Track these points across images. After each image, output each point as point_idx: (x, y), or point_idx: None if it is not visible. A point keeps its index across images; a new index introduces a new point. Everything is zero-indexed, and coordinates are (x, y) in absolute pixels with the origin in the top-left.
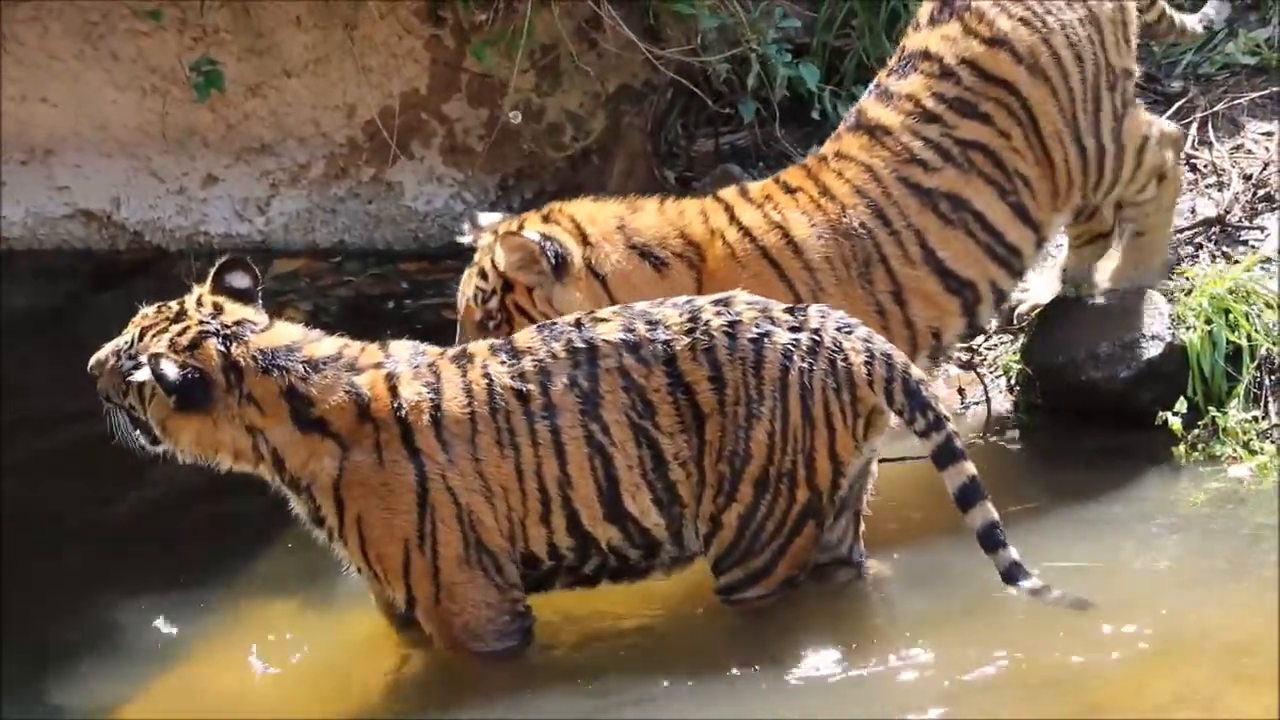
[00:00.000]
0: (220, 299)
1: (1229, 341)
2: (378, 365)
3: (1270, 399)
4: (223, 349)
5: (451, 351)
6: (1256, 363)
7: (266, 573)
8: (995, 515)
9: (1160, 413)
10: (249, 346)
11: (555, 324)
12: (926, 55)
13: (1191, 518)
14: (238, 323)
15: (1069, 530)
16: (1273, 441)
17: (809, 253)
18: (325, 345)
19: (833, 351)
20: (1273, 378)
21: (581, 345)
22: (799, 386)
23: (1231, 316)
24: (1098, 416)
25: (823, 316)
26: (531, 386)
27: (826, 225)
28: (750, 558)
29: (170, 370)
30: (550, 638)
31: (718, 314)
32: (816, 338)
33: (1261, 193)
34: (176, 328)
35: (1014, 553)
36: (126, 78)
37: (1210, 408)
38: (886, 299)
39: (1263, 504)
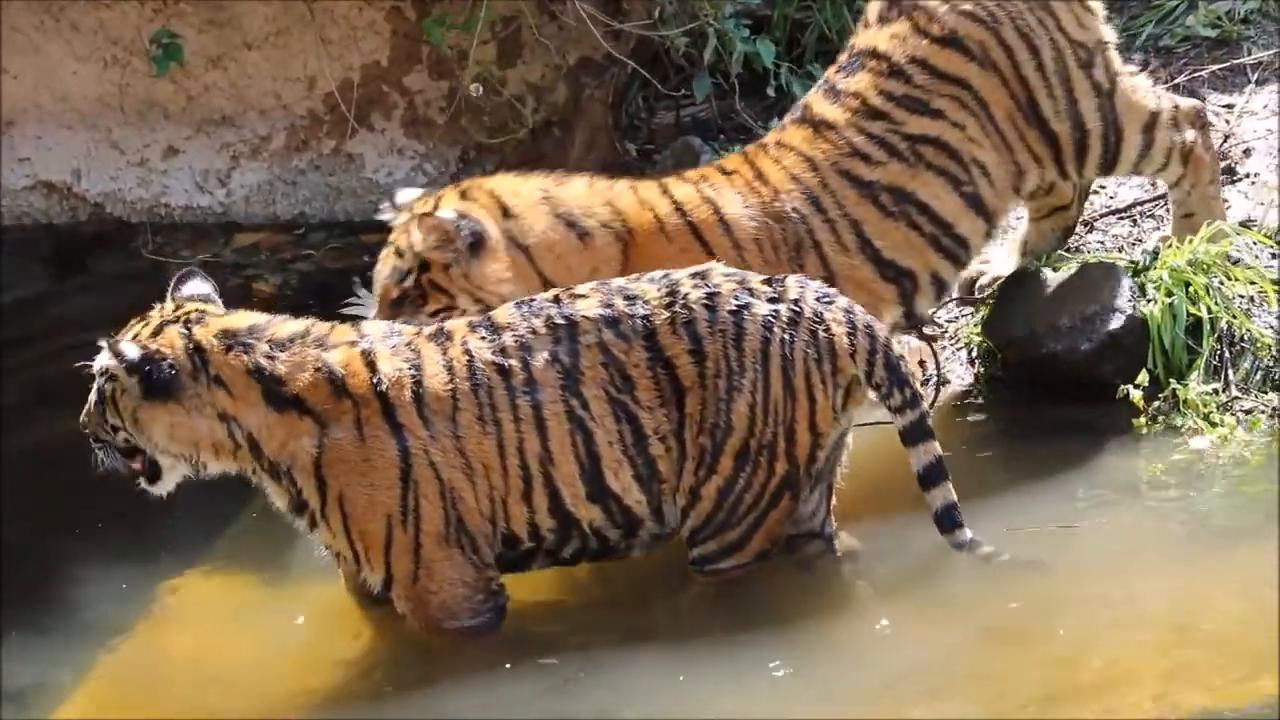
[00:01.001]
0: (181, 303)
1: (1189, 314)
2: (351, 343)
3: (1230, 371)
4: (184, 332)
5: (428, 329)
6: (1216, 335)
7: (227, 549)
8: (954, 497)
9: (1121, 385)
10: (210, 328)
11: (534, 300)
12: (874, 54)
13: (1151, 488)
14: (199, 311)
15: (1029, 501)
16: (1232, 413)
17: (738, 232)
18: (291, 325)
19: (813, 322)
20: (1232, 350)
21: (561, 321)
22: (780, 358)
23: (1192, 289)
24: (1059, 389)
25: (801, 287)
26: (513, 362)
27: (758, 207)
28: (726, 530)
29: (130, 350)
30: (521, 612)
31: (695, 287)
32: (797, 308)
33: (1222, 165)
34: (138, 326)
35: (969, 534)
36: (87, 49)
37: (1171, 380)
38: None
39: (1222, 475)
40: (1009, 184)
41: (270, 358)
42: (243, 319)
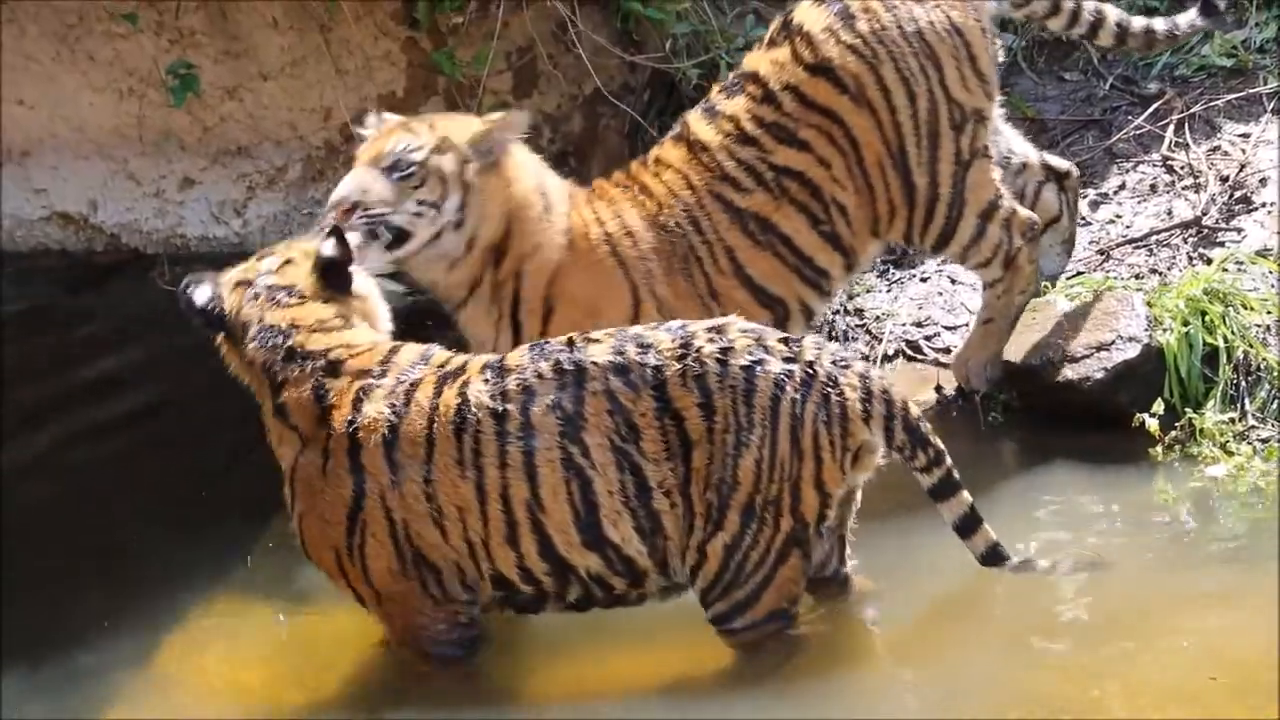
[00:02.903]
0: (300, 264)
1: (1205, 343)
2: (360, 374)
3: (1247, 400)
4: (239, 303)
5: (449, 367)
6: (1233, 364)
7: (242, 576)
8: (993, 536)
9: (1137, 414)
10: (260, 311)
11: (547, 343)
12: (754, 78)
13: (1168, 517)
14: (283, 287)
15: (1045, 529)
16: (1249, 443)
17: (640, 243)
18: (323, 340)
19: (826, 385)
20: (1249, 379)
21: (569, 367)
22: (789, 416)
23: (1208, 318)
24: (1074, 418)
25: (818, 349)
26: (510, 406)
27: (648, 218)
28: (734, 588)
29: (199, 294)
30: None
31: (710, 340)
32: (810, 370)
33: (1238, 194)
34: (247, 264)
35: (1015, 559)
36: (103, 80)
37: (1187, 409)
38: (706, 298)
39: (1240, 504)
40: (867, 228)
41: (279, 363)
42: (301, 316)
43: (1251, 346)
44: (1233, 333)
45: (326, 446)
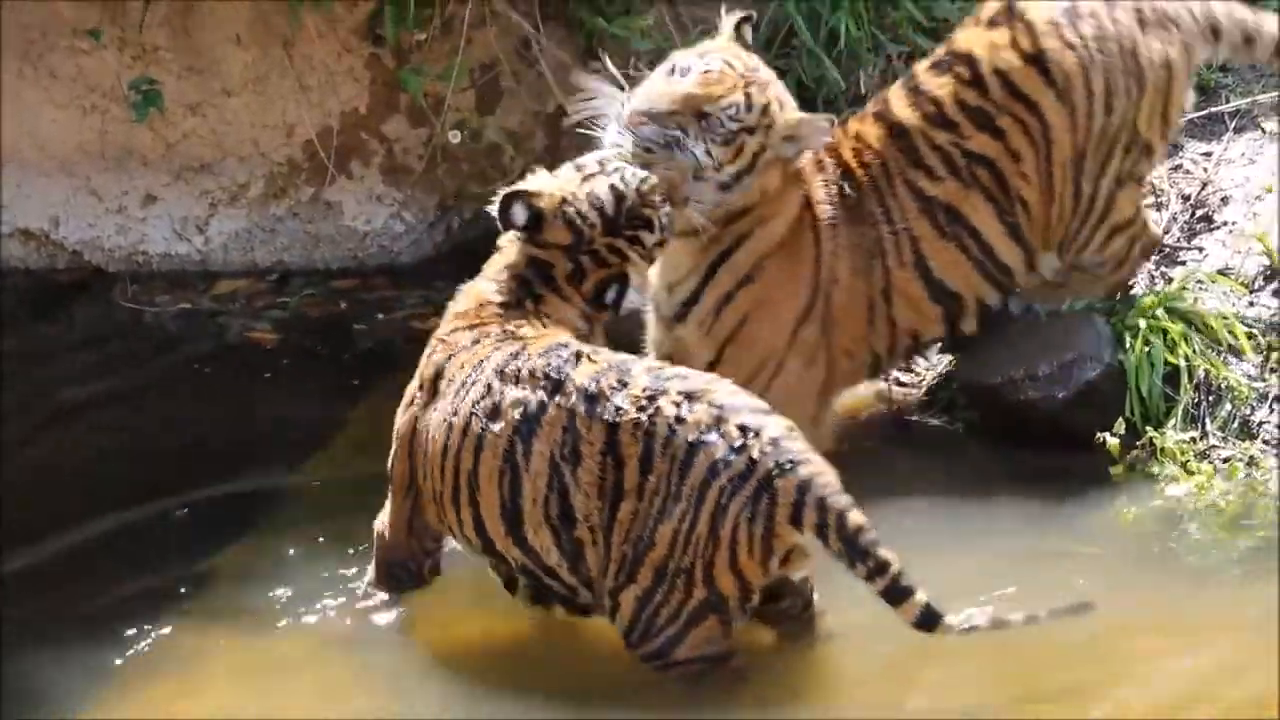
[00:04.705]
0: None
1: (1167, 362)
2: (452, 331)
3: (1208, 419)
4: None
5: (514, 330)
6: (1194, 383)
7: (232, 573)
8: (959, 619)
9: (1099, 433)
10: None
11: (566, 345)
12: (967, 58)
13: (1129, 538)
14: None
15: (1004, 551)
16: (1210, 461)
17: (838, 239)
18: (474, 294)
19: (761, 484)
20: (1210, 398)
21: (554, 375)
22: (714, 503)
23: (1170, 337)
24: (1035, 436)
25: (772, 445)
26: (496, 385)
27: (850, 210)
28: (648, 638)
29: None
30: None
31: (675, 404)
32: (750, 465)
33: (1200, 213)
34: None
35: (985, 618)
36: (65, 96)
37: (1148, 428)
38: (878, 298)
39: (1201, 523)
40: (1040, 230)
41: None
42: (513, 258)
43: (1213, 366)
44: (1194, 352)
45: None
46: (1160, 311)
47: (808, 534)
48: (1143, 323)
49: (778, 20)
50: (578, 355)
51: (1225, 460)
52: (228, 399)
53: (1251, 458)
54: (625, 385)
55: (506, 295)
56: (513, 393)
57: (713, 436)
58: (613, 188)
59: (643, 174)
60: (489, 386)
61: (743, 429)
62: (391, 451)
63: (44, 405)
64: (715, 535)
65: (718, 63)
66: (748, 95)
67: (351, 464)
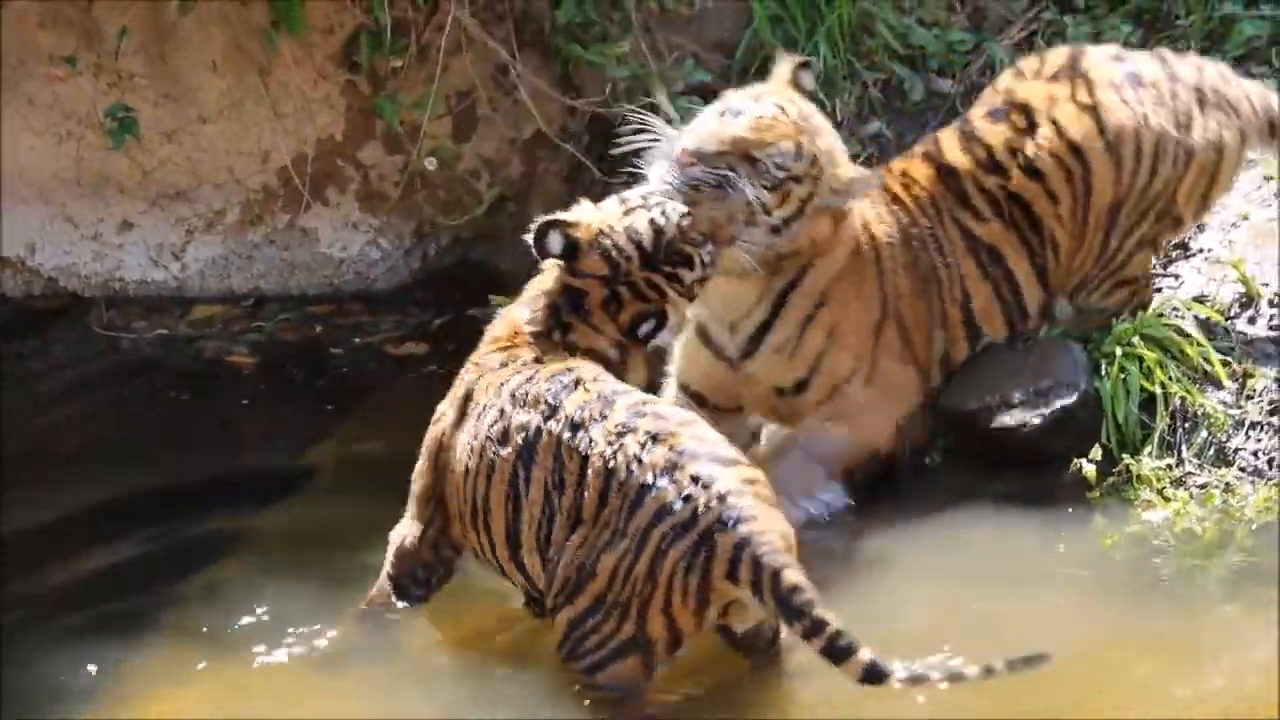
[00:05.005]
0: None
1: (1143, 389)
2: (481, 360)
3: (1183, 446)
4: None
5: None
6: (1170, 410)
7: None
8: (907, 673)
9: (1075, 460)
10: None
11: (570, 370)
12: (1024, 108)
13: (1107, 564)
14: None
15: (982, 577)
16: (1186, 488)
17: (897, 256)
18: (509, 319)
19: (701, 537)
20: (1185, 425)
21: (552, 401)
22: (655, 547)
23: (1145, 364)
24: (1011, 463)
25: (719, 499)
26: (507, 408)
27: (903, 230)
28: (572, 659)
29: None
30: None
31: (640, 444)
32: (694, 517)
33: (1176, 241)
34: None
35: (940, 671)
36: (42, 123)
37: (1124, 455)
38: (938, 324)
39: (1178, 549)
40: (1066, 272)
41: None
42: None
43: (1189, 393)
44: (1170, 379)
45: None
46: (1136, 339)
47: (744, 591)
48: (1119, 349)
49: (753, 46)
50: (576, 382)
51: (1201, 487)
52: (204, 423)
53: (1228, 484)
54: (605, 418)
55: (538, 322)
56: (518, 418)
57: (663, 481)
58: (652, 222)
59: (684, 209)
60: (501, 411)
61: (694, 479)
62: (417, 465)
63: (21, 430)
64: (653, 578)
65: (771, 107)
66: (798, 144)
67: (328, 487)
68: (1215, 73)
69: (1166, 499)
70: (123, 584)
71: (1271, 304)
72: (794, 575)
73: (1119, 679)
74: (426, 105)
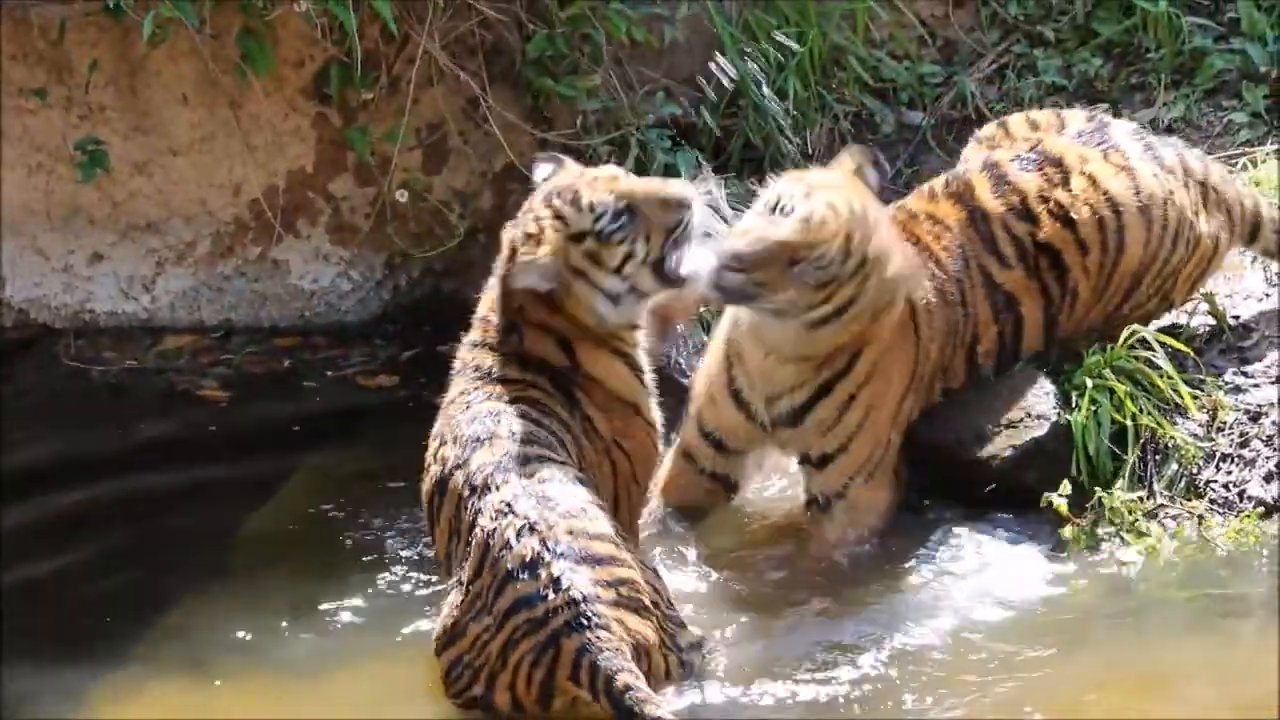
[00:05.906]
0: None
1: (1113, 421)
2: None
3: (1155, 479)
4: None
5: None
6: (1140, 442)
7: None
8: None
9: (1045, 494)
10: None
11: (495, 415)
12: (1058, 163)
13: (1080, 596)
14: None
15: (949, 609)
16: (1159, 521)
17: (934, 321)
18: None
19: (549, 638)
20: (1156, 457)
21: (465, 453)
22: (510, 631)
23: (1116, 396)
24: (984, 496)
25: (569, 606)
26: (446, 434)
27: (940, 292)
28: (453, 697)
29: None
30: None
31: (516, 532)
32: (553, 610)
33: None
34: None
35: None
36: (12, 155)
37: (1095, 487)
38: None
39: (1150, 581)
40: (1077, 321)
41: None
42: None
43: (1159, 425)
44: (1140, 411)
45: None
46: (1107, 371)
47: (584, 693)
48: (1089, 381)
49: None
50: (490, 437)
51: (1173, 519)
52: (174, 454)
53: (1200, 517)
54: (497, 490)
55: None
56: (445, 450)
57: (525, 576)
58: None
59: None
60: (442, 434)
61: (554, 579)
62: None
63: None
64: (504, 659)
65: (821, 205)
66: (846, 246)
67: (297, 518)
68: (1219, 173)
69: (1140, 533)
70: (96, 608)
71: (1240, 336)
72: (626, 677)
73: (1097, 711)
74: (397, 137)
